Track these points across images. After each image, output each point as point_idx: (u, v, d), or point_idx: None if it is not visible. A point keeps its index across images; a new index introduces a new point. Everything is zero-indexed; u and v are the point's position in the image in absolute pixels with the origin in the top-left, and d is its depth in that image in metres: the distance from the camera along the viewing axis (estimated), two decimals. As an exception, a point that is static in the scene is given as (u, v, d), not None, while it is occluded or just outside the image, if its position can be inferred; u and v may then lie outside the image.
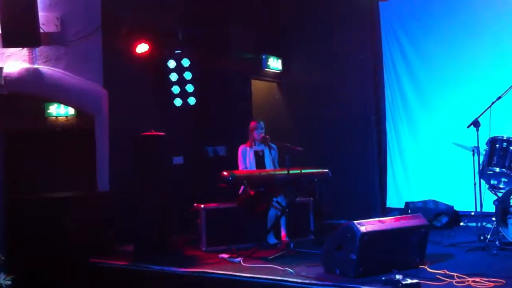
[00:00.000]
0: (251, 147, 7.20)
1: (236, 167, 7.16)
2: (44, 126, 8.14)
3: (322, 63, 9.13)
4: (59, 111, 8.20)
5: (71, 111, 8.07)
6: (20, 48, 7.11)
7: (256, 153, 7.18)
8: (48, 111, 8.22)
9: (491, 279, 4.68)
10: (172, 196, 7.19)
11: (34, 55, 7.24)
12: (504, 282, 4.64)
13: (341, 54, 8.89)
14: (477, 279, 4.72)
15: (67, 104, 7.81)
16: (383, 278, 4.77)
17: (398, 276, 4.66)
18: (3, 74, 7.07)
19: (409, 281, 4.61)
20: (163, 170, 6.97)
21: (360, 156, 8.79)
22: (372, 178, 8.82)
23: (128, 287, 6.13)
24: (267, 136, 7.09)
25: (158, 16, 8.00)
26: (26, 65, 7.19)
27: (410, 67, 8.64)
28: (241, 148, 7.22)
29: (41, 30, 6.90)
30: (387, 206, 8.75)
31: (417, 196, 8.29)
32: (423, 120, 8.53)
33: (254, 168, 7.09)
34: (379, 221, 5.28)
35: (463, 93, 8.05)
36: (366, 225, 5.05)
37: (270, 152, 7.13)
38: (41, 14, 6.92)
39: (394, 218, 5.47)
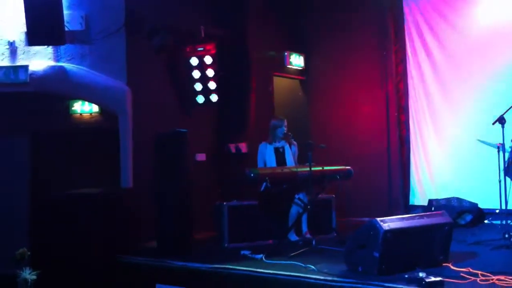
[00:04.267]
0: (271, 143, 7.19)
1: (257, 164, 7.16)
2: (69, 124, 8.23)
3: (344, 60, 9.10)
4: (83, 108, 8.28)
5: (95, 108, 8.15)
6: (45, 46, 7.21)
7: (276, 150, 7.16)
8: (73, 108, 8.31)
9: (516, 278, 4.62)
10: (195, 193, 7.23)
11: (59, 53, 7.34)
12: (530, 280, 4.57)
13: (363, 51, 8.84)
14: (502, 277, 4.66)
15: (91, 101, 7.89)
16: (406, 276, 4.74)
17: (421, 274, 4.62)
18: (29, 72, 7.19)
19: (432, 279, 4.57)
20: (186, 167, 7.01)
21: (383, 153, 8.74)
22: (395, 176, 8.76)
23: (152, 283, 6.18)
24: (290, 133, 7.10)
25: (180, 15, 8.04)
26: (51, 63, 7.29)
27: (434, 63, 8.57)
28: (261, 145, 7.21)
29: (66, 29, 6.98)
30: (410, 203, 8.70)
31: (441, 193, 8.22)
32: (446, 117, 8.45)
33: (275, 165, 7.08)
34: (402, 218, 5.24)
35: (487, 90, 7.96)
36: (389, 223, 5.01)
37: (291, 148, 7.13)
38: (66, 13, 7.02)
39: (418, 215, 5.42)
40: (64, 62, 7.34)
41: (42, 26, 6.78)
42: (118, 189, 7.49)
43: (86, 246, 6.82)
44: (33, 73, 7.20)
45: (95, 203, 7.06)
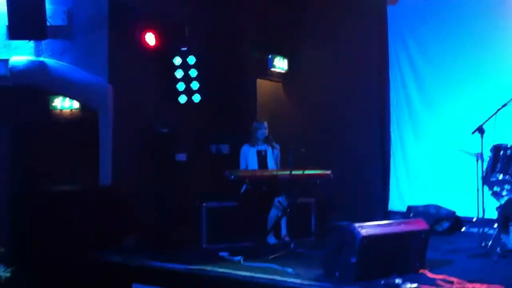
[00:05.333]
0: (253, 146, 7.19)
1: (239, 166, 7.16)
2: (49, 120, 8.14)
3: (327, 65, 9.10)
4: (64, 104, 8.20)
5: (75, 104, 8.07)
6: (27, 41, 7.12)
7: (259, 153, 7.18)
8: (53, 104, 8.22)
9: (491, 286, 4.67)
10: (174, 193, 7.18)
11: (40, 48, 7.25)
12: (503, 289, 4.62)
13: (346, 56, 8.86)
14: (477, 285, 4.72)
15: (71, 97, 7.81)
16: (383, 282, 4.77)
17: (397, 280, 4.66)
18: (9, 66, 7.10)
19: (408, 285, 4.61)
20: (166, 167, 6.97)
21: (364, 158, 8.77)
22: (375, 181, 8.80)
23: (129, 282, 6.13)
24: (270, 136, 7.10)
25: (165, 13, 7.99)
26: (32, 57, 7.19)
27: (416, 70, 8.61)
28: (243, 147, 7.21)
29: (48, 23, 6.90)
30: (389, 209, 8.75)
31: (420, 200, 8.27)
32: (427, 124, 8.51)
33: (256, 168, 7.08)
34: (380, 224, 5.28)
35: (468, 99, 8.03)
36: (367, 229, 5.04)
37: (273, 151, 7.13)
38: (48, 7, 6.94)
39: (395, 222, 5.47)
40: (45, 57, 7.25)
41: (23, 20, 6.70)
42: (97, 186, 7.42)
43: (64, 243, 6.74)
44: (13, 67, 7.11)
45: (70, 200, 6.98)
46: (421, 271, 5.32)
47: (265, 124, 7.17)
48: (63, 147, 7.67)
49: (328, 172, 7.01)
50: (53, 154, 7.61)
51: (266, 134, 7.11)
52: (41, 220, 6.85)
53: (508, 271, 5.51)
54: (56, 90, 7.62)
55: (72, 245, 6.72)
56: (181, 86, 8.08)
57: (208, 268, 5.74)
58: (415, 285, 4.64)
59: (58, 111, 8.16)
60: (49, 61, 7.25)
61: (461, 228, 7.89)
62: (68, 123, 8.09)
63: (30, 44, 7.20)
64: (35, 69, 7.20)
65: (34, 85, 7.32)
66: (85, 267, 6.54)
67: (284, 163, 6.99)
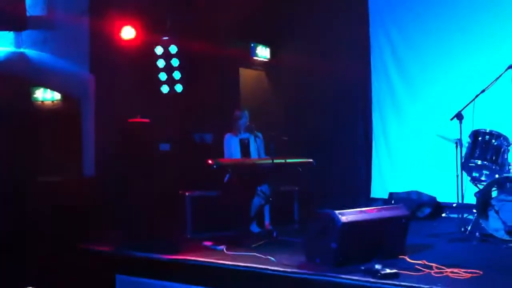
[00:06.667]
0: (236, 135, 7.22)
1: (223, 155, 7.18)
2: (31, 111, 8.08)
3: (310, 52, 9.12)
4: (45, 95, 8.14)
5: (57, 96, 8.02)
6: (6, 32, 7.06)
7: (242, 141, 7.20)
8: (34, 95, 8.16)
9: (469, 270, 4.74)
10: (158, 182, 7.17)
11: (20, 38, 7.19)
12: (481, 273, 4.69)
13: (328, 43, 8.89)
14: (455, 270, 4.78)
15: (53, 88, 7.77)
16: (363, 268, 4.82)
17: (377, 266, 4.70)
18: (-12, 57, 7.06)
19: (388, 270, 4.65)
20: (149, 157, 6.96)
21: (347, 145, 8.84)
22: (358, 168, 8.88)
23: (112, 273, 6.14)
24: (252, 125, 7.12)
25: (147, 2, 7.95)
26: (12, 48, 7.13)
27: (397, 57, 8.67)
28: (226, 136, 7.23)
29: (28, 14, 6.84)
30: (371, 196, 8.83)
31: (402, 186, 8.35)
32: (409, 111, 8.58)
33: (239, 157, 7.11)
34: (360, 211, 5.32)
35: (449, 85, 8.11)
36: (347, 215, 5.09)
37: (255, 140, 7.16)
38: (28, -3, 6.88)
39: (376, 208, 5.52)
40: (25, 47, 7.19)
41: (3, 11, 6.63)
42: (80, 177, 7.40)
43: (47, 234, 6.72)
44: (-7, 58, 7.06)
45: (53, 191, 6.96)
46: (400, 256, 5.37)
47: (246, 113, 7.19)
48: (45, 138, 7.64)
49: (310, 160, 7.05)
50: (35, 145, 7.58)
51: (248, 123, 7.13)
52: (24, 213, 6.82)
53: (487, 256, 5.61)
54: (37, 81, 7.58)
55: (55, 236, 6.71)
56: (163, 76, 8.06)
57: (192, 258, 5.75)
58: (394, 270, 4.68)
59: (40, 102, 8.11)
60: (30, 52, 7.19)
61: (442, 214, 8.00)
62: (50, 114, 8.04)
63: (10, 35, 7.13)
64: (16, 60, 7.14)
65: (15, 76, 7.27)
66: (68, 258, 6.53)
67: (267, 152, 7.02)
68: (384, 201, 8.22)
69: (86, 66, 7.48)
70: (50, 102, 8.17)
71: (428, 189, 8.08)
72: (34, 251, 6.60)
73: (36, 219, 6.80)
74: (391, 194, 8.29)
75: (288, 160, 6.76)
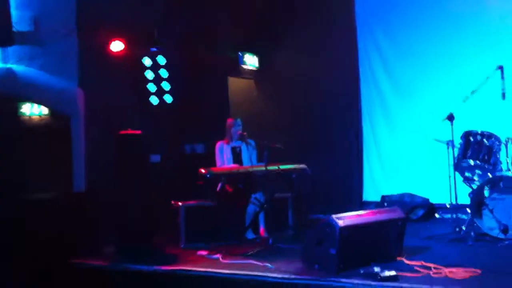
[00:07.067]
0: (228, 143, 7.21)
1: (214, 164, 7.16)
2: (18, 127, 8.01)
3: (298, 60, 9.17)
4: (32, 110, 8.07)
5: (44, 110, 7.97)
6: (-7, 47, 7.01)
7: (234, 150, 7.20)
8: (21, 110, 8.09)
9: (468, 269, 4.77)
10: (150, 195, 7.13)
11: (6, 54, 7.13)
12: (480, 272, 4.72)
13: (316, 50, 8.94)
14: (454, 269, 4.81)
15: (41, 103, 7.70)
16: (362, 271, 4.83)
17: (376, 269, 4.72)
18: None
19: (387, 273, 4.67)
20: (141, 169, 6.93)
21: (339, 151, 8.85)
22: (351, 173, 8.89)
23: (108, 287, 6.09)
24: (245, 133, 7.12)
25: (134, 14, 7.93)
26: (-1, 64, 7.09)
27: (385, 61, 8.72)
28: (218, 145, 7.22)
29: (14, 29, 6.79)
30: (363, 199, 8.84)
31: (394, 189, 8.39)
32: (398, 114, 8.62)
33: (232, 165, 7.10)
34: (357, 215, 5.33)
35: (438, 88, 8.17)
36: (345, 219, 5.09)
37: (247, 148, 7.15)
38: (14, 13, 6.81)
39: (372, 211, 5.53)
40: (12, 63, 7.13)
41: (-12, 26, 6.59)
42: (71, 192, 7.33)
43: (38, 252, 6.64)
44: (-20, 74, 6.99)
45: (43, 208, 6.89)
46: (398, 258, 5.40)
47: (239, 121, 7.19)
48: (33, 154, 7.56)
49: (304, 166, 7.06)
50: (23, 162, 7.50)
51: (241, 131, 7.12)
52: (16, 230, 6.74)
53: (483, 254, 5.65)
54: (25, 96, 7.51)
55: (49, 254, 6.63)
56: (152, 87, 8.03)
57: (188, 268, 5.72)
58: (393, 272, 4.70)
59: (27, 117, 8.04)
60: (17, 68, 7.13)
61: (435, 215, 8.04)
62: (38, 129, 7.97)
63: (-4, 50, 7.08)
64: (2, 76, 7.08)
65: (2, 91, 7.20)
66: (63, 275, 6.46)
67: (260, 159, 7.02)
68: (376, 204, 8.24)
69: (75, 81, 7.42)
70: (38, 117, 8.10)
71: (420, 191, 8.11)
72: (25, 268, 6.51)
73: (26, 236, 6.72)
74: (383, 197, 8.32)
75: (281, 167, 6.76)
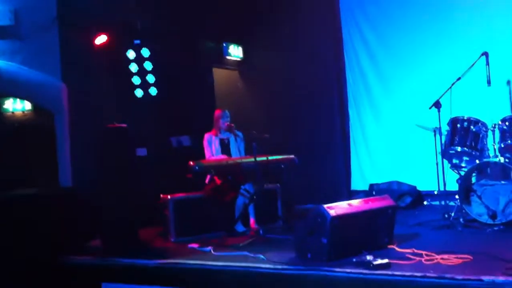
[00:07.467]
0: (216, 135, 7.17)
1: (202, 157, 7.12)
2: (1, 123, 7.90)
3: (283, 50, 9.14)
4: (15, 106, 7.97)
5: (28, 106, 7.86)
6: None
7: (222, 141, 7.17)
8: (4, 106, 7.98)
9: (459, 256, 4.79)
10: (138, 188, 7.07)
11: (-13, 49, 7.02)
12: (471, 257, 4.75)
13: (301, 40, 8.92)
14: (445, 256, 4.82)
15: (24, 99, 7.60)
16: (354, 260, 4.83)
17: (368, 257, 4.72)
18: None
19: (379, 261, 4.67)
20: (127, 163, 6.85)
21: (325, 140, 8.87)
22: (337, 162, 8.91)
23: (98, 282, 6.03)
24: (232, 125, 7.08)
25: (116, 7, 7.83)
26: (-20, 59, 6.96)
27: (370, 51, 8.74)
28: (206, 137, 7.17)
29: (-6, 24, 6.69)
30: (351, 189, 8.87)
31: (381, 178, 8.43)
32: (385, 103, 8.66)
33: (220, 156, 7.06)
34: (348, 204, 5.33)
35: (423, 75, 8.21)
36: (336, 209, 5.09)
37: (235, 139, 7.12)
38: (-7, 7, 6.72)
39: (362, 200, 5.53)
40: (-7, 58, 7.02)
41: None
42: (57, 188, 7.25)
43: (27, 248, 6.56)
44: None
45: (30, 203, 6.79)
46: (390, 246, 5.42)
47: (227, 112, 7.15)
48: (17, 150, 7.46)
49: (292, 156, 7.05)
50: (7, 158, 7.39)
51: (229, 123, 7.09)
52: (1, 225, 6.64)
53: (473, 240, 5.69)
54: (7, 92, 7.40)
55: (36, 250, 6.55)
56: (136, 80, 7.95)
57: (179, 261, 5.68)
58: (386, 260, 4.71)
59: (10, 113, 7.93)
60: (-2, 63, 7.02)
61: (423, 202, 8.09)
62: (21, 125, 7.87)
63: (-23, 46, 6.96)
64: (-17, 72, 6.97)
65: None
66: (51, 271, 6.39)
67: (248, 151, 6.99)
68: (365, 193, 8.26)
69: (58, 76, 7.32)
70: (21, 112, 8.00)
71: (408, 179, 8.16)
72: (13, 265, 6.43)
73: (12, 232, 6.63)
74: (371, 185, 8.36)
75: (270, 158, 6.74)
